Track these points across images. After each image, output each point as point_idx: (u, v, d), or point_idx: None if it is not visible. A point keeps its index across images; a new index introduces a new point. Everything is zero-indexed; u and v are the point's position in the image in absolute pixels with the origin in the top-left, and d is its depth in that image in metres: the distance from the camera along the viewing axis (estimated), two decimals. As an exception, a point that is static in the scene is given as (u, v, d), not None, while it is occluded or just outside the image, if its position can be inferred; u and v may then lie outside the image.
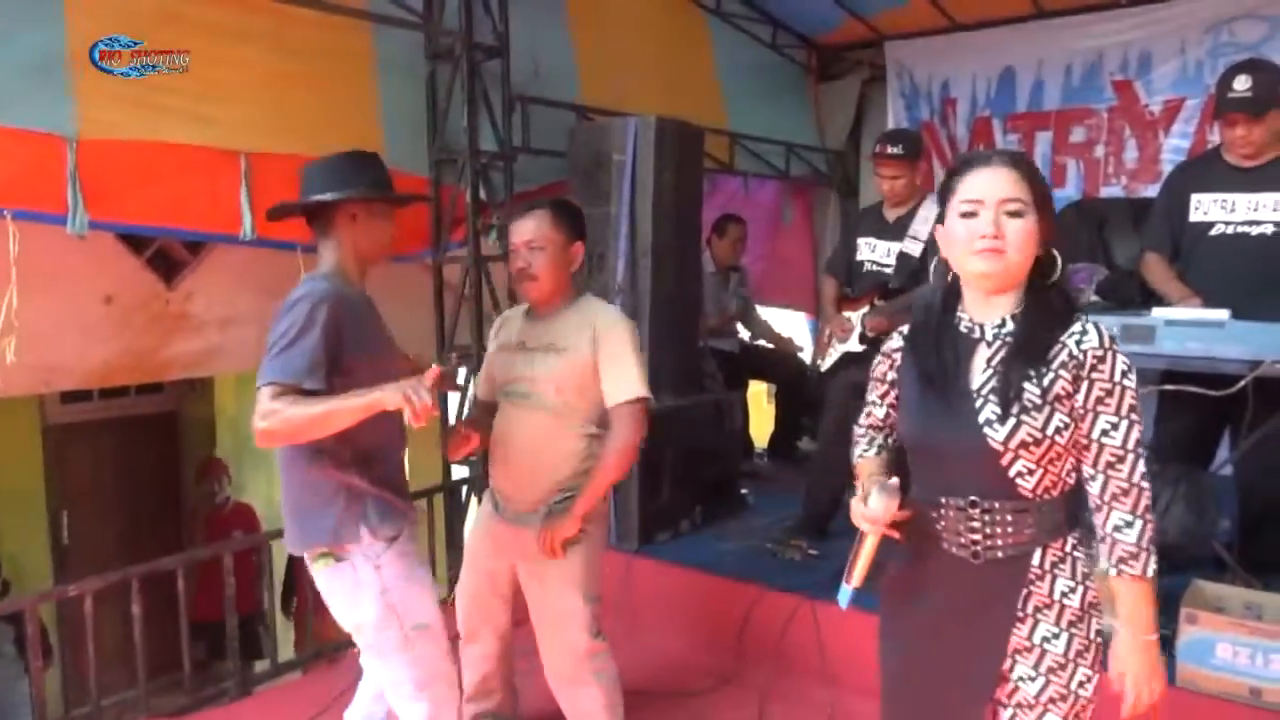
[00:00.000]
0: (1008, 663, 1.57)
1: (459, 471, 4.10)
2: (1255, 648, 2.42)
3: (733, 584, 3.40)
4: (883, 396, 1.73)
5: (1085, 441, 1.48)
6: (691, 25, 5.36)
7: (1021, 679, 1.56)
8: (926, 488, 1.61)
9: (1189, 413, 2.99)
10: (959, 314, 1.58)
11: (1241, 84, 2.88)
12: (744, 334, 5.41)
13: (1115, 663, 1.54)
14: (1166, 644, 2.54)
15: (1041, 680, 1.54)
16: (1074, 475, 1.53)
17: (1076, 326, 1.47)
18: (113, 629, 3.62)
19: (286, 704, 3.21)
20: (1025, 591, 1.54)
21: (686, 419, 3.89)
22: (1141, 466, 1.46)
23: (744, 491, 4.39)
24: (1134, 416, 1.45)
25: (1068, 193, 5.24)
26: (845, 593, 1.67)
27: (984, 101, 5.54)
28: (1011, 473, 1.50)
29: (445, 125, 3.95)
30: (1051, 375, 1.47)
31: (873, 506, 1.55)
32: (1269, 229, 2.95)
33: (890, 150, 3.63)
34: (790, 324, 6.25)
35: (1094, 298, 4.09)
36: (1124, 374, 1.45)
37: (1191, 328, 2.68)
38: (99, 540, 5.96)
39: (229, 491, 5.84)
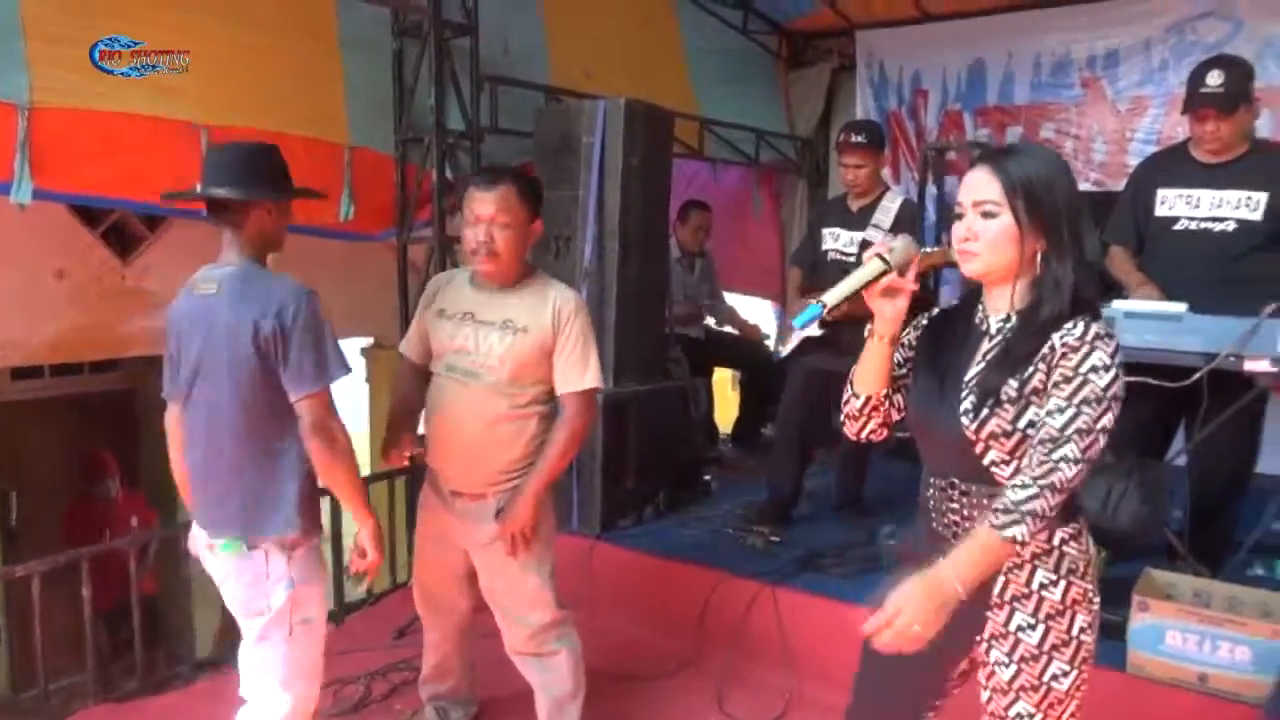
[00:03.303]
0: (984, 646, 1.59)
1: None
2: (1204, 634, 2.47)
3: (694, 569, 3.41)
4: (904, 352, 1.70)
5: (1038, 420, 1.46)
6: (662, 8, 5.32)
7: (997, 664, 1.58)
8: (925, 469, 1.66)
9: (1145, 404, 3.02)
10: (978, 306, 1.62)
11: (1214, 79, 2.90)
12: (710, 320, 5.41)
13: (903, 582, 1.44)
14: (1119, 631, 2.61)
15: (1014, 668, 1.55)
16: None
17: (1069, 324, 1.46)
18: (63, 612, 3.55)
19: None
20: (1003, 579, 1.54)
21: (651, 405, 3.89)
22: (1068, 452, 1.39)
23: (708, 478, 4.40)
24: (1085, 409, 1.40)
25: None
26: (811, 310, 1.55)
27: (954, 94, 5.57)
28: (985, 461, 1.52)
29: (412, 103, 3.89)
30: (1031, 369, 1.47)
31: (896, 240, 1.55)
32: (1231, 225, 2.99)
33: (855, 139, 3.64)
34: (756, 311, 6.26)
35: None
36: (1094, 369, 1.42)
37: (1150, 320, 2.72)
38: (49, 522, 5.84)
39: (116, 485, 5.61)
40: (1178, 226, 3.07)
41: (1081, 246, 1.50)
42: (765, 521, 3.76)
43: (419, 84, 3.85)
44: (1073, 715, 1.57)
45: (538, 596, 2.49)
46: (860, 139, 3.64)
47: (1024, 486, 1.40)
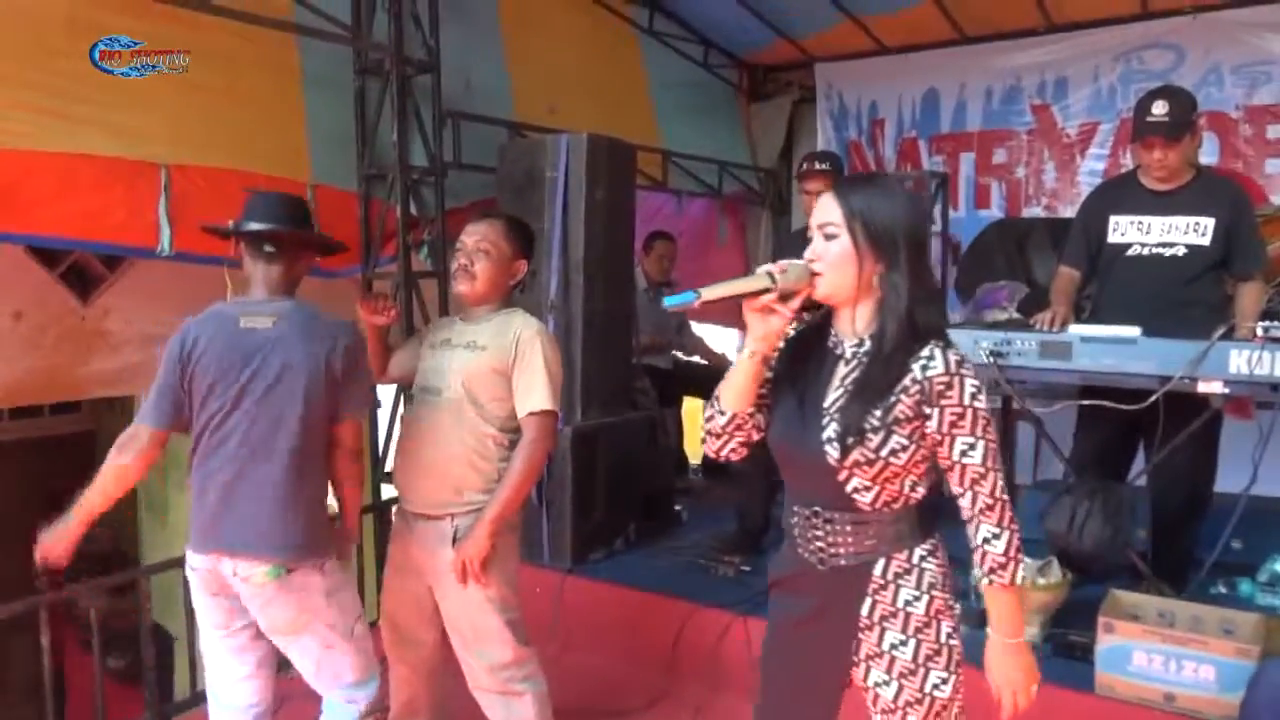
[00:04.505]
0: (862, 669, 1.62)
1: (389, 491, 4.03)
2: (1169, 654, 2.50)
3: (666, 601, 3.40)
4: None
5: (950, 463, 1.54)
6: (624, 43, 5.38)
7: (878, 684, 1.61)
8: (788, 495, 1.69)
9: (1104, 427, 3.09)
10: (830, 329, 1.65)
11: (1159, 109, 2.98)
12: (678, 351, 5.42)
13: (988, 668, 1.61)
14: (1086, 652, 2.64)
15: (895, 685, 1.59)
16: (921, 490, 1.58)
17: (924, 352, 1.52)
18: (22, 660, 3.47)
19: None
20: (870, 601, 1.59)
21: (619, 436, 3.89)
22: (1001, 482, 1.53)
23: (678, 508, 4.40)
24: (988, 436, 1.52)
25: (991, 213, 5.40)
26: (686, 295, 1.56)
27: (910, 123, 5.68)
28: (848, 489, 1.56)
29: (374, 140, 3.90)
30: (893, 399, 1.52)
31: (793, 261, 1.57)
32: (1181, 250, 3.07)
33: (818, 166, 3.76)
34: (724, 340, 6.30)
35: (1015, 314, 4.22)
36: (973, 396, 1.51)
37: (1106, 344, 2.77)
38: (8, 567, 5.70)
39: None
40: (1130, 252, 3.15)
41: (919, 275, 1.56)
42: (736, 551, 3.76)
43: (381, 120, 3.86)
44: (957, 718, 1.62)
45: (500, 634, 2.48)
46: (824, 166, 3.76)
47: (997, 536, 1.53)
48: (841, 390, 1.57)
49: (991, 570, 1.53)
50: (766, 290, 1.53)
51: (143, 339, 3.93)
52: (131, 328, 3.89)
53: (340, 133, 3.86)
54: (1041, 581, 2.93)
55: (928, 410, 1.51)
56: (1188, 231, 3.07)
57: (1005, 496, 1.53)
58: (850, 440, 1.51)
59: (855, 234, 1.54)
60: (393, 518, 2.69)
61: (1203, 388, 2.66)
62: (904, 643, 1.58)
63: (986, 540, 1.53)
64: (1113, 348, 2.76)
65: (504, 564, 2.48)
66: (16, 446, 6.08)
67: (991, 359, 2.87)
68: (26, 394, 4.00)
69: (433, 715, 2.75)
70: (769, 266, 1.55)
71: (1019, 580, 1.53)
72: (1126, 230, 3.17)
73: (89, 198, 3.11)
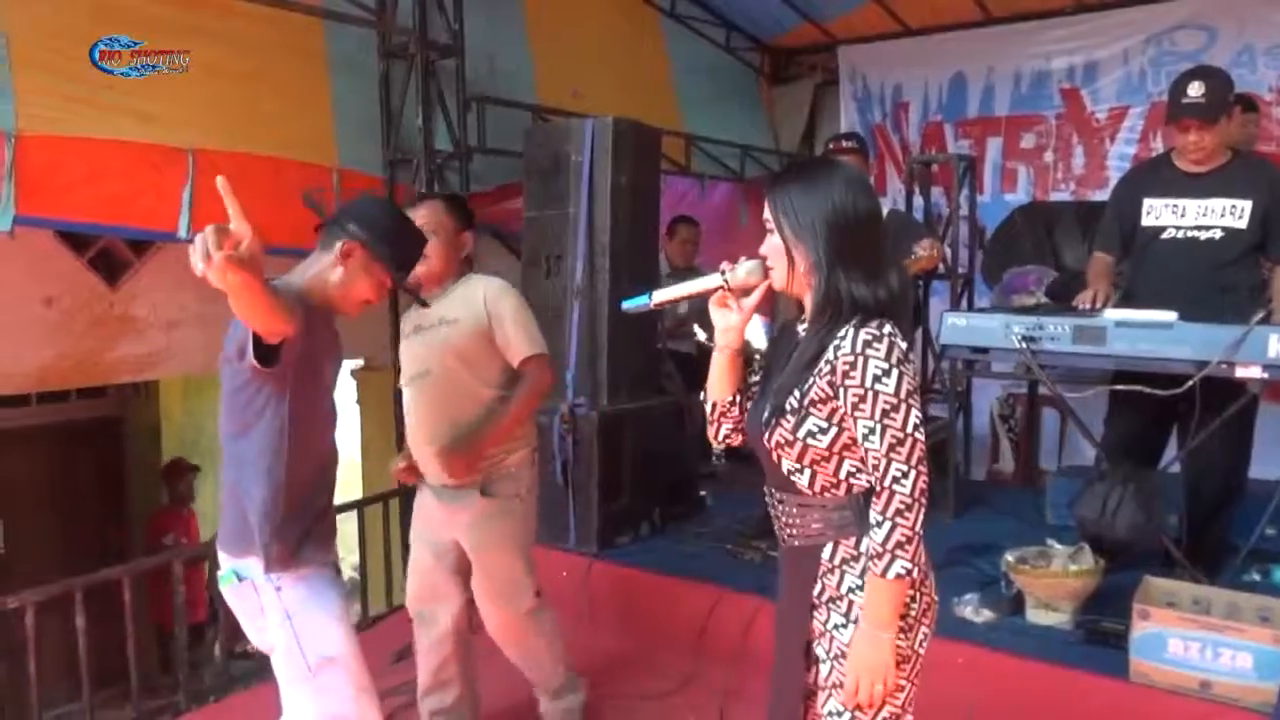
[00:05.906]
0: (814, 642, 1.63)
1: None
2: (1205, 641, 2.47)
3: (693, 586, 3.39)
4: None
5: (859, 445, 1.51)
6: (646, 27, 5.36)
7: (820, 661, 1.63)
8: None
9: (1138, 412, 3.06)
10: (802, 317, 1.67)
11: (1195, 90, 2.93)
12: (701, 336, 5.40)
13: (850, 653, 1.55)
14: (1121, 639, 2.62)
15: (829, 664, 1.60)
16: (864, 477, 1.54)
17: (840, 331, 1.51)
18: (55, 641, 3.51)
19: (239, 714, 3.13)
20: (820, 584, 1.60)
21: (645, 421, 3.88)
22: (899, 471, 1.46)
23: (703, 493, 4.39)
24: (889, 420, 1.46)
25: (1018, 197, 5.35)
26: (640, 298, 1.67)
27: (936, 106, 5.63)
28: (783, 470, 1.58)
29: (400, 124, 3.90)
30: (810, 380, 1.53)
31: (746, 259, 1.63)
32: (1217, 233, 3.02)
33: (844, 144, 3.80)
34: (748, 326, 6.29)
35: (1044, 299, 4.18)
36: (877, 378, 1.46)
37: (1141, 329, 2.74)
38: (39, 550, 5.77)
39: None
40: (1165, 235, 3.10)
41: (843, 255, 1.52)
42: (763, 536, 3.74)
43: (406, 105, 3.86)
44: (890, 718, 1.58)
45: (520, 581, 2.65)
46: (849, 144, 3.79)
47: (879, 525, 1.48)
48: (786, 374, 1.61)
49: (870, 557, 1.49)
50: (718, 288, 1.62)
51: (167, 324, 3.97)
52: (157, 313, 3.93)
53: (365, 117, 3.87)
54: (1073, 568, 2.91)
55: (837, 391, 1.50)
56: (1224, 214, 3.02)
57: (899, 488, 1.46)
58: (772, 420, 1.55)
59: (782, 228, 1.57)
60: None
61: (1241, 373, 2.62)
62: (843, 626, 1.58)
63: (871, 525, 1.49)
64: (1148, 332, 2.72)
65: (524, 519, 2.65)
66: (44, 431, 6.13)
67: (1024, 344, 2.85)
68: (56, 378, 4.04)
69: (465, 689, 2.77)
70: (724, 265, 1.62)
71: (890, 575, 1.47)
72: (1160, 213, 3.13)
73: (117, 183, 3.13)
